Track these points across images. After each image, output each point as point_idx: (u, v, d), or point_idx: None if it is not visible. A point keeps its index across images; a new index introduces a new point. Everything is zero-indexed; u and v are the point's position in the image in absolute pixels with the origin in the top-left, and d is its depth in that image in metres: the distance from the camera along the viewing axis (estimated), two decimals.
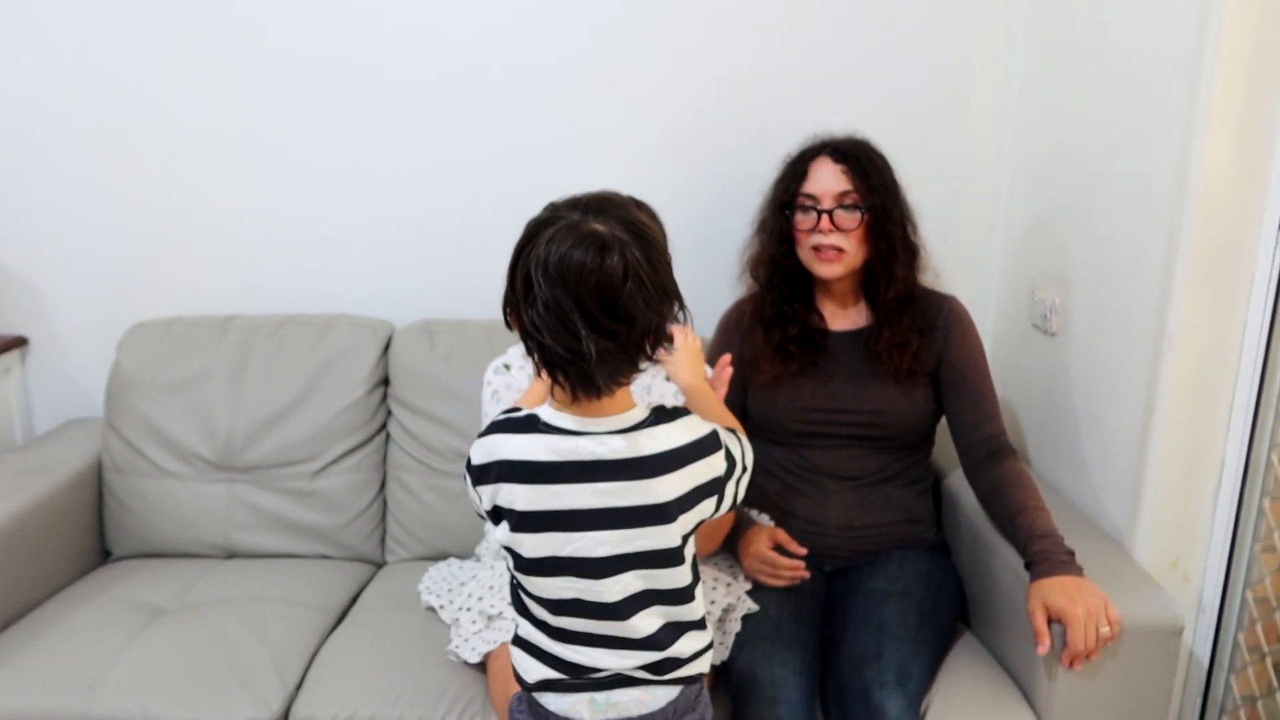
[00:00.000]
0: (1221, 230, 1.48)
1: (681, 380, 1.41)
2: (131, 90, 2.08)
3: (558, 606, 1.19)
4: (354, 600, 1.86)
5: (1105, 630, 1.37)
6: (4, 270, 2.18)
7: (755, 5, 2.04)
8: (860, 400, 1.74)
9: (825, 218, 1.67)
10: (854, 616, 1.62)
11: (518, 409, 1.22)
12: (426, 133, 2.10)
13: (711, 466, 1.19)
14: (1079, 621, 1.37)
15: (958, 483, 1.86)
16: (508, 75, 2.07)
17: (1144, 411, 1.58)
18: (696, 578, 1.23)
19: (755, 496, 1.79)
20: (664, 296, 1.11)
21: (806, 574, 1.65)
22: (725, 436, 1.23)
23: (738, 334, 1.82)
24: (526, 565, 1.18)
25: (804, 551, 1.67)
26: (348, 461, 1.98)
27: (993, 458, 1.68)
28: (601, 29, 2.05)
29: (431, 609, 1.73)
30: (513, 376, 1.63)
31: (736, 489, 1.25)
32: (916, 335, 1.72)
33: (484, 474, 1.17)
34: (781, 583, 1.65)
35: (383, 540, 2.01)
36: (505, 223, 2.07)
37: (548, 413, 1.17)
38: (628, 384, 1.16)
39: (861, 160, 1.69)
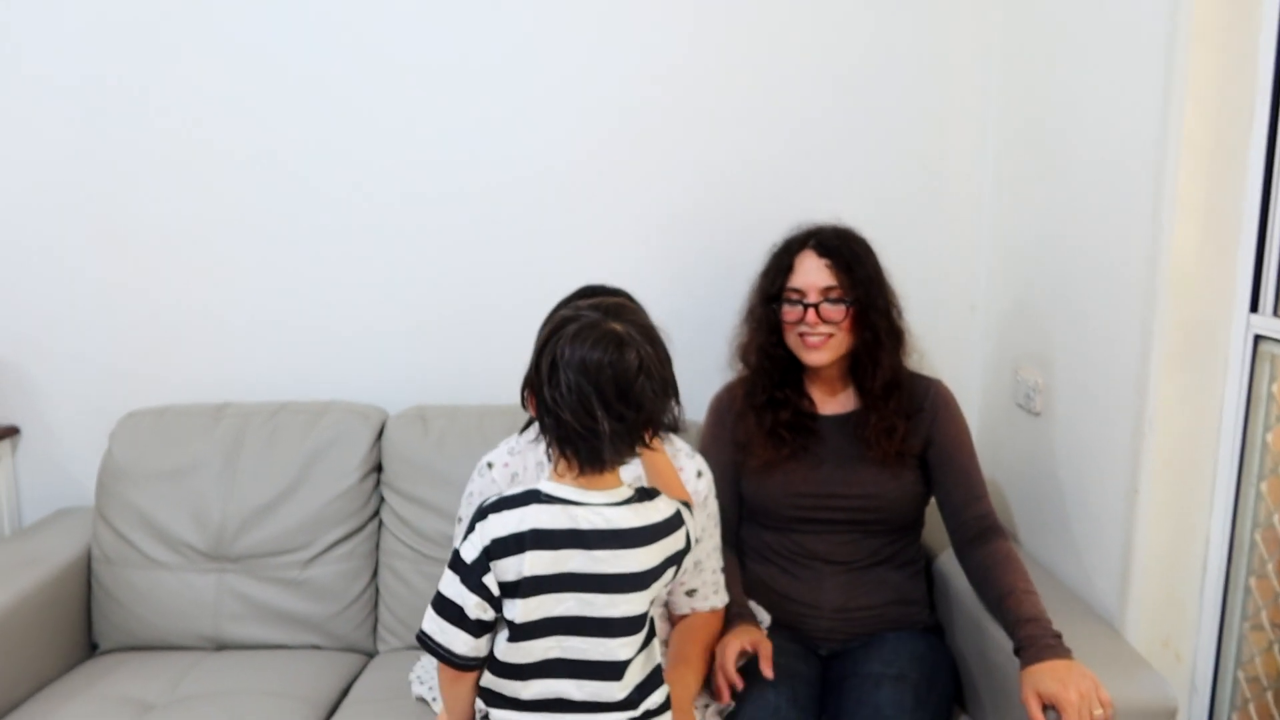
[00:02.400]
0: (1194, 312, 1.52)
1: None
2: (126, 181, 2.12)
3: (542, 669, 1.28)
4: (345, 692, 1.84)
5: (1099, 713, 1.37)
6: None
7: (741, 101, 2.11)
8: (851, 485, 1.76)
9: (811, 311, 1.71)
10: (850, 701, 1.61)
11: (511, 490, 1.32)
12: (418, 224, 2.15)
13: (676, 541, 1.34)
14: (1073, 706, 1.37)
15: (949, 563, 1.87)
16: (500, 168, 2.13)
17: (1128, 492, 1.60)
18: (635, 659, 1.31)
19: (752, 582, 1.80)
20: (667, 389, 1.28)
21: (729, 702, 1.57)
22: (684, 514, 1.38)
23: (730, 416, 1.84)
24: (515, 632, 1.27)
25: (770, 677, 1.56)
26: (340, 550, 1.98)
27: (982, 537, 1.70)
28: (592, 125, 2.12)
29: (423, 700, 1.71)
30: (493, 477, 1.65)
31: (690, 559, 1.40)
32: (904, 420, 1.75)
33: (517, 544, 1.25)
34: (718, 691, 1.57)
35: (374, 629, 2.00)
36: (496, 310, 2.16)
37: (547, 485, 1.29)
38: (624, 464, 1.31)
39: (845, 254, 1.73)
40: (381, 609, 1.99)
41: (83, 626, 1.99)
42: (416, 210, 2.15)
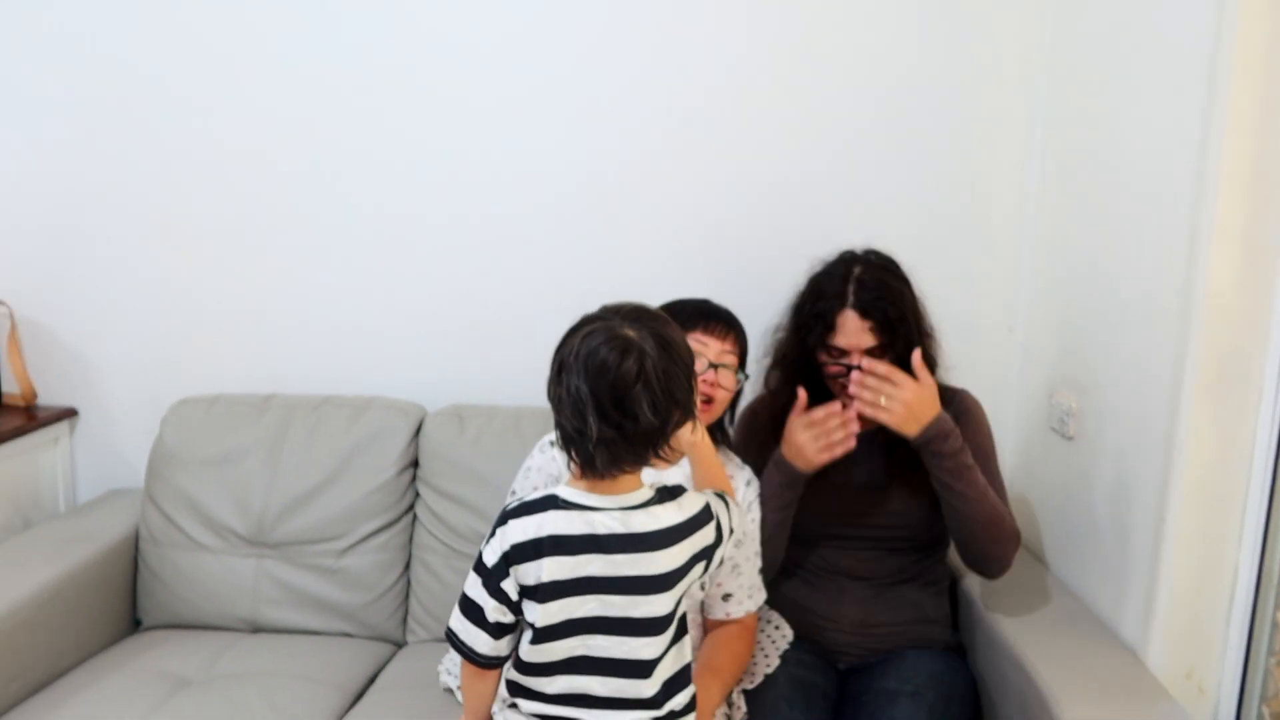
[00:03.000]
0: (1228, 341, 1.51)
1: (684, 438, 1.41)
2: (184, 185, 2.21)
3: (566, 666, 1.29)
4: (373, 679, 1.89)
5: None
6: (59, 344, 2.29)
7: (785, 118, 2.13)
8: (877, 503, 1.77)
9: (855, 372, 1.67)
10: (865, 717, 1.62)
11: (533, 494, 1.32)
12: (462, 232, 2.21)
13: (705, 536, 1.33)
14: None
15: (975, 583, 1.87)
16: (544, 180, 2.18)
17: (1156, 520, 1.59)
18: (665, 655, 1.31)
19: (772, 593, 1.81)
20: (672, 404, 1.23)
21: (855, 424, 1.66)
22: (716, 506, 1.36)
23: (760, 435, 1.83)
24: (537, 635, 1.27)
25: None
26: (375, 541, 2.03)
27: None
28: (635, 139, 2.15)
29: (449, 690, 1.76)
30: (551, 456, 1.71)
31: (723, 552, 1.38)
32: None
33: (535, 549, 1.26)
34: (839, 440, 1.66)
35: (404, 620, 2.05)
36: (535, 316, 2.21)
37: (565, 490, 1.29)
38: (632, 472, 1.29)
39: (887, 310, 1.68)
40: (412, 601, 2.04)
41: (128, 603, 2.07)
42: (460, 219, 2.20)
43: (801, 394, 1.69)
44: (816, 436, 1.67)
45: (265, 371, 2.26)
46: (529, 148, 2.17)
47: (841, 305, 1.69)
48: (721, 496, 1.40)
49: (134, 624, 2.09)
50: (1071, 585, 1.90)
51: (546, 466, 1.69)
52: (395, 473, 2.05)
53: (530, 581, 1.26)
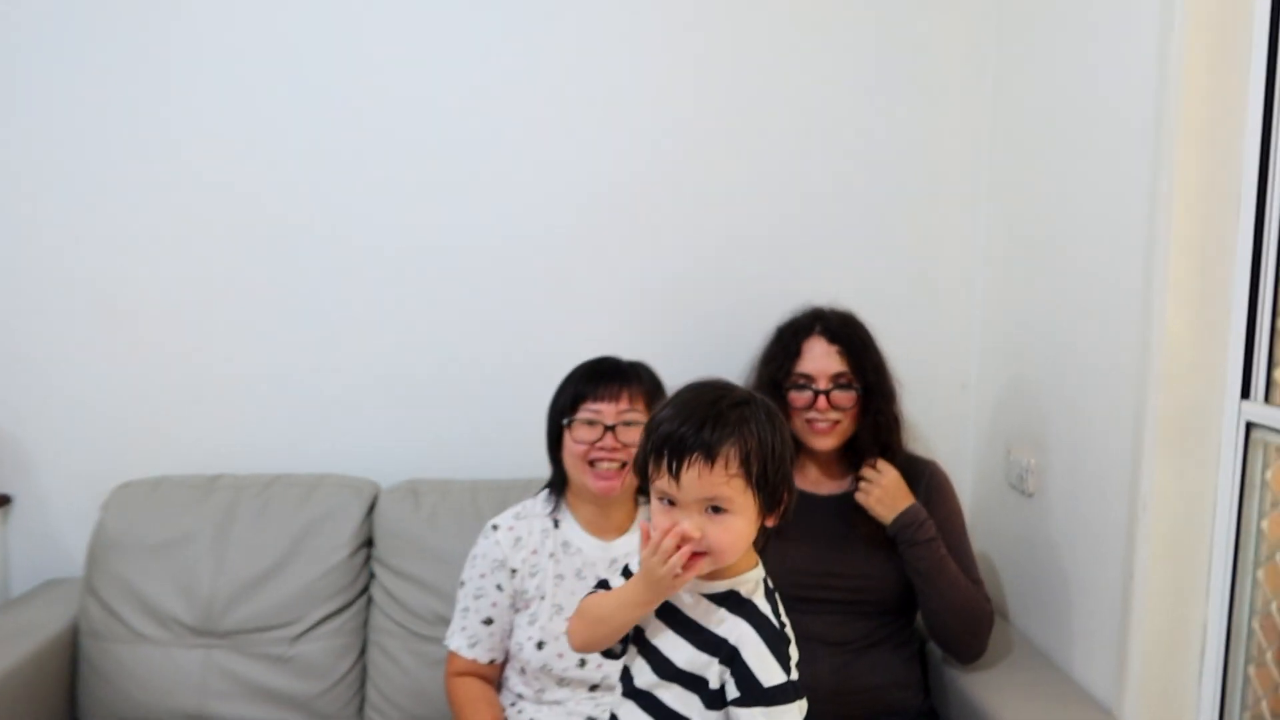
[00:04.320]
0: (1186, 398, 1.53)
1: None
2: (123, 254, 2.14)
3: None
4: None
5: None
6: None
7: (739, 180, 2.15)
8: (847, 565, 1.75)
9: (822, 398, 1.72)
10: None
11: None
12: (414, 294, 2.16)
13: None
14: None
15: None
16: (494, 242, 2.15)
17: (1124, 576, 1.59)
18: None
19: None
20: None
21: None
22: None
23: None
24: None
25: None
26: (328, 626, 1.95)
27: None
28: (586, 200, 2.15)
29: None
30: (496, 540, 1.69)
31: None
32: None
33: None
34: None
35: (361, 708, 1.96)
36: (492, 381, 2.16)
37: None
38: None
39: (854, 341, 1.75)
40: (369, 688, 1.96)
41: (66, 701, 1.96)
42: (409, 283, 2.16)
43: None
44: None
45: (211, 451, 2.18)
46: (478, 210, 2.15)
47: (809, 333, 1.76)
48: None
49: None
50: (1037, 642, 1.89)
51: (491, 552, 1.68)
52: (349, 553, 1.98)
53: None
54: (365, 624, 1.99)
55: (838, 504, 1.79)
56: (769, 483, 1.15)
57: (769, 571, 1.74)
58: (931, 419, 2.14)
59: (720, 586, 1.19)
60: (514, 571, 1.66)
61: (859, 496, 1.72)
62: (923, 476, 1.80)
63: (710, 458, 1.11)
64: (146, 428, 2.18)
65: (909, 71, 2.13)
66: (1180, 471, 1.54)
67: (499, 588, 1.66)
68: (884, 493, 1.71)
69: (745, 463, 1.12)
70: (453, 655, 1.68)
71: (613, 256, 2.17)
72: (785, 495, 1.18)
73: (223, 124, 2.11)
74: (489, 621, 1.66)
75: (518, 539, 1.68)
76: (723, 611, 1.17)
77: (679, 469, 1.12)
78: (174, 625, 1.95)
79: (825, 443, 1.74)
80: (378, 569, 2.00)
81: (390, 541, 1.99)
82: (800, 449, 1.80)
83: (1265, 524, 1.51)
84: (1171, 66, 1.49)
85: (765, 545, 1.70)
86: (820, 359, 1.74)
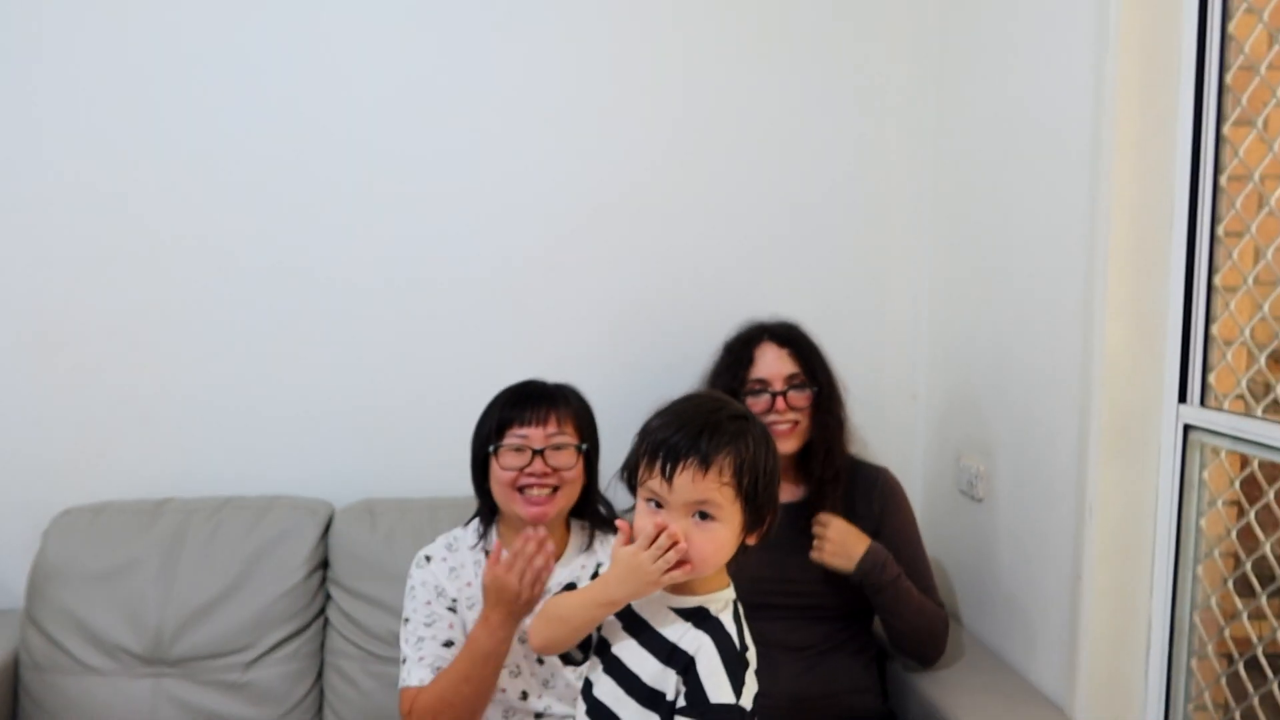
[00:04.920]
0: (1127, 403, 1.60)
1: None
2: (66, 275, 2.09)
3: None
4: None
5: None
6: None
7: (690, 201, 2.19)
8: (805, 571, 1.78)
9: (780, 399, 1.76)
10: None
11: None
12: (366, 312, 2.15)
13: None
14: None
15: None
16: (450, 261, 2.15)
17: (1072, 577, 1.65)
18: None
19: None
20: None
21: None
22: None
23: None
24: None
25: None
26: (284, 650, 1.92)
27: None
28: (543, 222, 2.16)
29: None
30: (431, 570, 1.64)
31: None
32: (853, 506, 1.79)
33: None
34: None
35: None
36: (446, 400, 2.15)
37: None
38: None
39: (802, 343, 1.81)
40: (327, 712, 1.93)
41: None
42: (361, 300, 2.15)
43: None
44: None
45: (158, 475, 2.12)
46: (438, 234, 2.15)
47: (758, 341, 1.81)
48: None
49: None
50: (989, 644, 1.95)
51: (430, 580, 1.63)
52: (304, 575, 1.95)
53: None
54: (322, 647, 1.96)
55: (795, 511, 1.82)
56: (757, 499, 1.16)
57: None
58: (883, 428, 2.19)
59: (690, 602, 1.20)
60: (454, 601, 1.63)
61: (814, 555, 1.73)
62: (875, 484, 1.84)
63: (706, 463, 1.13)
64: (89, 453, 2.12)
65: (856, 94, 2.20)
66: (1123, 474, 1.61)
67: (451, 609, 1.62)
68: (836, 545, 1.73)
69: (738, 473, 1.14)
70: (416, 692, 1.54)
71: (569, 276, 2.18)
72: (769, 516, 1.19)
73: (163, 145, 2.08)
74: (449, 644, 1.59)
75: (452, 569, 1.64)
76: (688, 625, 1.18)
77: (674, 470, 1.13)
78: (121, 655, 1.90)
79: (787, 445, 1.77)
80: (334, 591, 1.97)
81: (347, 562, 1.97)
82: None
83: (1204, 522, 1.58)
84: (1106, 90, 1.56)
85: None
86: (773, 363, 1.79)
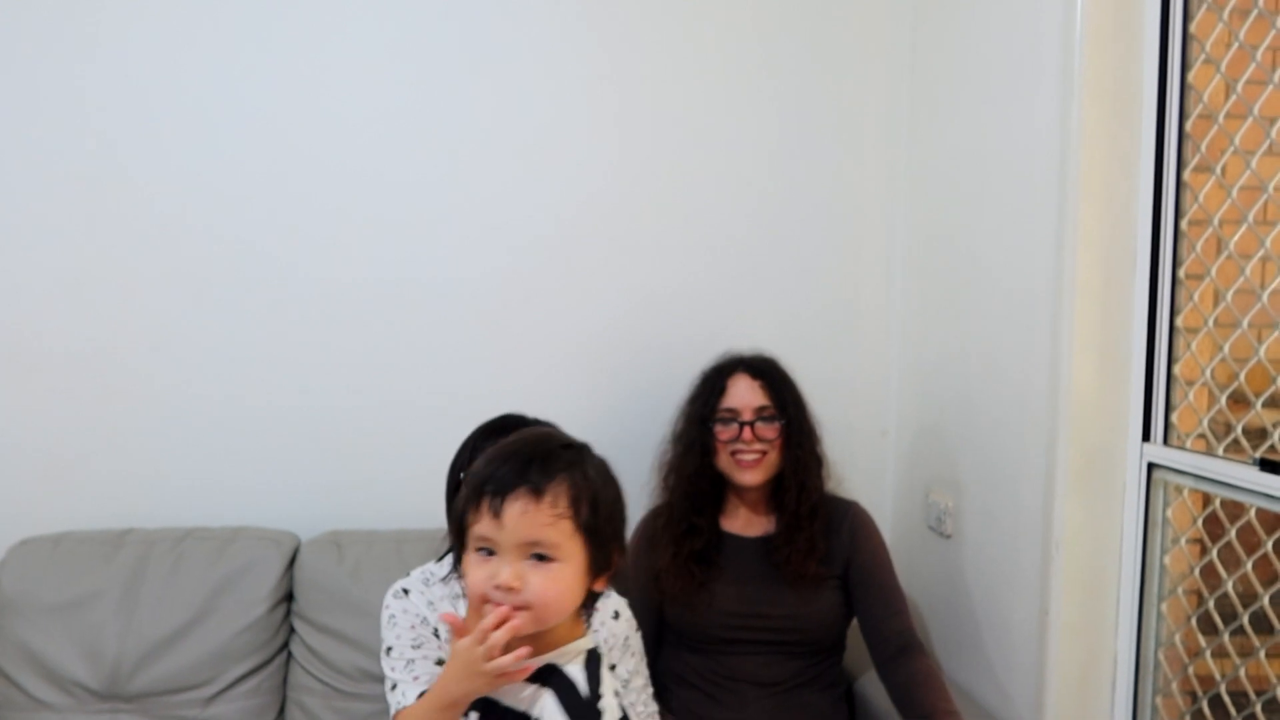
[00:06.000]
0: (1093, 441, 1.62)
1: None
2: (30, 300, 2.06)
3: None
4: None
5: None
6: None
7: (661, 230, 2.20)
8: (775, 604, 1.78)
9: (747, 429, 1.77)
10: None
11: None
12: (334, 337, 2.13)
13: None
14: None
15: (869, 685, 1.89)
16: (418, 290, 2.15)
17: (1039, 613, 1.66)
18: None
19: (676, 706, 1.78)
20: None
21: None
22: None
23: (648, 544, 1.84)
24: None
25: None
26: (245, 685, 1.88)
27: (903, 653, 1.74)
28: (512, 250, 2.16)
29: None
30: (411, 601, 1.61)
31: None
32: (825, 540, 1.79)
33: None
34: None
35: None
36: (414, 431, 2.14)
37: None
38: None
39: (775, 377, 1.82)
40: None
41: None
42: (329, 326, 2.13)
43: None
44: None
45: (119, 504, 2.08)
46: (404, 258, 2.14)
47: (732, 371, 1.83)
48: None
49: None
50: (959, 680, 1.95)
51: (412, 609, 1.59)
52: (267, 608, 1.92)
53: None
54: (284, 682, 1.93)
55: (765, 545, 1.83)
56: (598, 533, 1.06)
57: (700, 615, 1.77)
58: (853, 464, 2.20)
59: (537, 662, 1.08)
60: (435, 631, 1.61)
61: None
62: (846, 517, 1.85)
63: (538, 493, 1.03)
64: (49, 480, 2.08)
65: (831, 129, 2.23)
66: (1089, 511, 1.63)
67: (436, 634, 1.60)
68: None
69: (575, 504, 1.04)
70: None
71: (538, 309, 2.18)
72: (616, 556, 1.09)
73: (131, 165, 2.06)
74: (441, 663, 1.53)
75: (430, 603, 1.62)
76: (534, 687, 1.08)
77: (502, 504, 1.02)
78: (77, 690, 1.85)
79: (752, 476, 1.78)
80: (298, 624, 1.94)
81: (312, 595, 1.93)
82: (728, 489, 1.84)
83: (1167, 559, 1.60)
84: (1072, 134, 1.60)
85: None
86: (744, 393, 1.80)
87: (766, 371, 1.82)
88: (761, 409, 1.79)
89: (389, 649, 1.58)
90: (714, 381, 1.83)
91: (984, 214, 1.89)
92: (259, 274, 2.11)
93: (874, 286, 2.25)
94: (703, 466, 1.82)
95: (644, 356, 2.19)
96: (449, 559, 1.67)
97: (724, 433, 1.79)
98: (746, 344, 1.92)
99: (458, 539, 1.59)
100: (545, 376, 2.16)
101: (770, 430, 1.78)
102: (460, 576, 1.62)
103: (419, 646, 1.57)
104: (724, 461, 1.80)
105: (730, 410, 1.80)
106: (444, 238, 2.15)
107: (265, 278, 2.11)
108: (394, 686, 1.54)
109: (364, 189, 2.12)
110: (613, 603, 1.65)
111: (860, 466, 2.24)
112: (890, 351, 2.26)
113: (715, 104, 2.21)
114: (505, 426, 1.63)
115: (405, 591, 1.62)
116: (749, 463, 1.78)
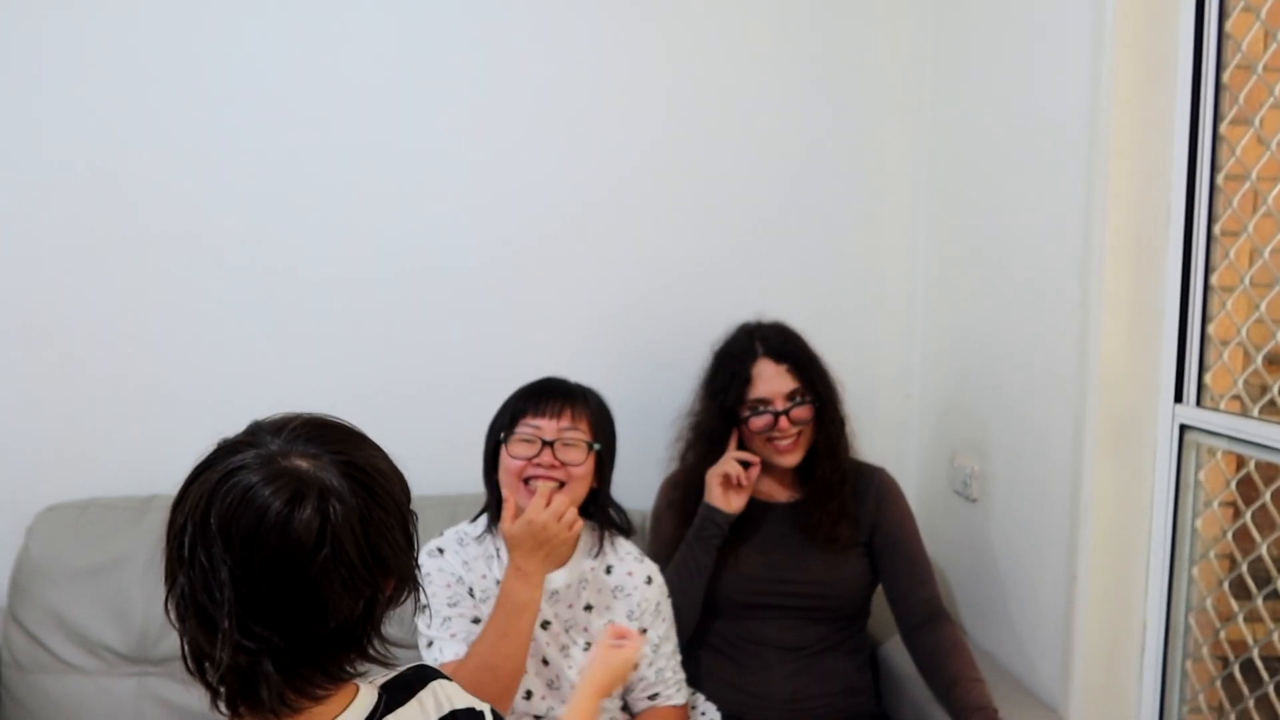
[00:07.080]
0: (1123, 403, 1.59)
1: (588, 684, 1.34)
2: (54, 268, 2.06)
3: None
4: None
5: None
6: None
7: (685, 201, 2.17)
8: (801, 570, 1.77)
9: (783, 419, 1.73)
10: None
11: None
12: (358, 314, 2.13)
13: None
14: None
15: (893, 651, 1.87)
16: (440, 263, 2.13)
17: (1067, 578, 1.64)
18: None
19: (700, 671, 1.78)
20: (381, 573, 0.85)
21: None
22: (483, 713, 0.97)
23: (677, 508, 1.83)
24: None
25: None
26: None
27: (929, 622, 1.72)
28: (542, 219, 2.14)
29: None
30: (446, 560, 1.61)
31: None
32: (853, 505, 1.77)
33: None
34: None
35: None
36: (431, 405, 2.14)
37: None
38: (325, 697, 0.86)
39: (798, 356, 1.77)
40: None
41: None
42: (354, 303, 2.12)
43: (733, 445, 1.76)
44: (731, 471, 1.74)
45: (144, 471, 2.09)
46: (425, 235, 2.12)
47: (754, 358, 1.76)
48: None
49: None
50: (985, 645, 1.93)
51: (447, 568, 1.59)
52: None
53: None
54: None
55: (791, 511, 1.81)
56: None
57: (726, 580, 1.76)
58: (877, 427, 2.17)
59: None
60: (471, 590, 1.62)
61: None
62: (872, 484, 1.83)
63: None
64: (74, 448, 2.09)
65: (851, 91, 2.18)
66: (1118, 474, 1.59)
67: (471, 593, 1.61)
68: None
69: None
70: (455, 666, 1.47)
71: (559, 285, 2.16)
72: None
73: (153, 141, 2.05)
74: (478, 621, 1.54)
75: (465, 562, 1.62)
76: None
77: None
78: (105, 654, 1.87)
79: (791, 459, 1.76)
80: None
81: None
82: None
83: (1199, 523, 1.57)
84: (1103, 88, 1.55)
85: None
86: (773, 380, 1.75)
87: (788, 352, 1.77)
88: (792, 394, 1.74)
89: (424, 606, 1.58)
90: (737, 370, 1.76)
91: (1010, 172, 1.84)
92: (282, 249, 2.10)
93: (897, 247, 2.21)
94: (718, 453, 1.78)
95: (664, 327, 2.17)
96: (483, 519, 1.67)
97: (758, 423, 1.75)
98: (771, 313, 1.88)
99: (494, 494, 1.61)
100: (567, 347, 2.14)
101: (804, 412, 1.75)
102: (496, 534, 1.63)
103: (455, 604, 1.57)
104: (759, 446, 1.77)
105: (761, 400, 1.75)
106: (468, 212, 2.13)
107: (287, 252, 2.10)
108: (430, 644, 1.55)
109: (385, 165, 2.10)
110: (645, 568, 1.65)
111: (884, 430, 2.21)
112: (914, 313, 2.22)
113: (736, 73, 2.16)
114: (545, 387, 1.63)
115: (440, 551, 1.63)
116: (786, 447, 1.75)
